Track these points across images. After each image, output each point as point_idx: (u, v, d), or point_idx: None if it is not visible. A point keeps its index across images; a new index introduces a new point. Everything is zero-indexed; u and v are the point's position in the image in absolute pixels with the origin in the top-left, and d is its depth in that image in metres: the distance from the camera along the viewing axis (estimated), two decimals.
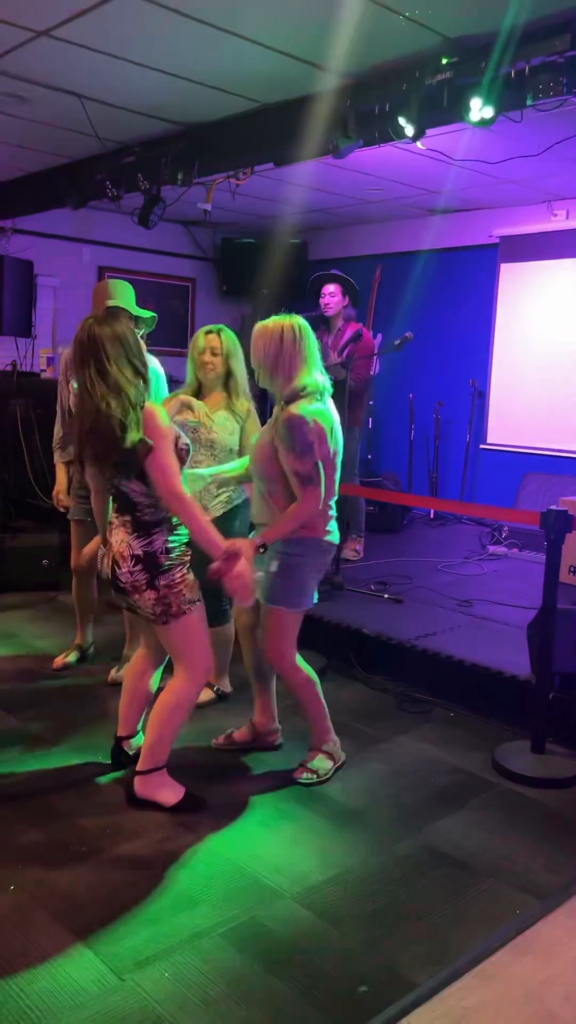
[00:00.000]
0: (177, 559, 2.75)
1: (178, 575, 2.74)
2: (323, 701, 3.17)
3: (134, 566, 2.72)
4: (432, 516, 7.16)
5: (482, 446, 7.23)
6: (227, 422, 3.55)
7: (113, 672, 4.05)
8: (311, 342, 3.00)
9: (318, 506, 2.92)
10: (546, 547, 3.31)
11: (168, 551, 2.73)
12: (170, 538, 2.75)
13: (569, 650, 3.39)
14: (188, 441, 2.82)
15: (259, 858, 2.64)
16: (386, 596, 4.81)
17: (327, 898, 2.46)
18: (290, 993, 2.09)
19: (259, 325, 3.00)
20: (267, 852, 2.67)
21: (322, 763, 3.16)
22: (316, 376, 2.97)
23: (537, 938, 2.34)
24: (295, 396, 2.92)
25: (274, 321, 2.97)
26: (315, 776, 3.12)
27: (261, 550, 2.88)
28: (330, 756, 3.19)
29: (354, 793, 3.08)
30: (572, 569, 5.12)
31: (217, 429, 3.52)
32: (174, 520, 2.76)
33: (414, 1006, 2.06)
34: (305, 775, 3.12)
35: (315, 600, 3.11)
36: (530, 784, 3.16)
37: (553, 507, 3.32)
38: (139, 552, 2.72)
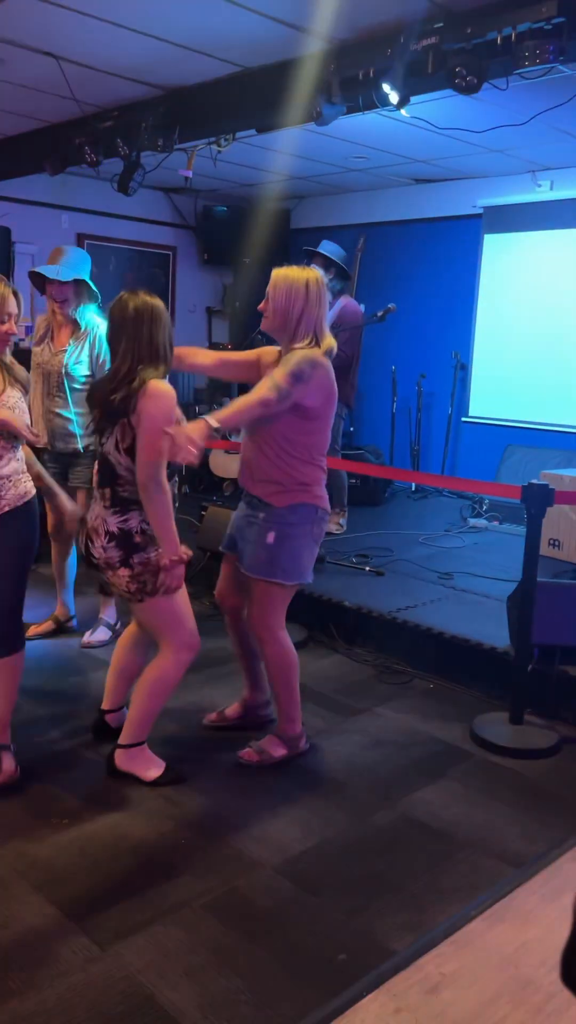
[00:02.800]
0: (152, 539, 2.73)
1: (153, 553, 2.72)
2: (297, 687, 3.06)
3: (108, 543, 2.71)
4: (414, 489, 7.16)
5: (464, 419, 7.23)
6: None
7: (87, 636, 4.06)
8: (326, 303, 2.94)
9: (268, 410, 2.73)
10: (526, 521, 3.33)
11: (143, 530, 2.71)
12: (145, 517, 2.73)
13: (548, 622, 3.42)
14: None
15: (239, 829, 2.66)
16: (367, 569, 4.82)
17: (307, 868, 2.49)
18: (270, 962, 2.11)
19: (282, 273, 2.87)
20: (247, 823, 2.69)
21: (274, 748, 3.05)
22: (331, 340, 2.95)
23: (513, 906, 2.38)
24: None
25: (298, 270, 2.88)
26: (257, 759, 3.02)
27: (215, 433, 2.61)
28: (285, 745, 3.07)
29: (334, 764, 3.11)
30: (552, 542, 5.15)
31: None
32: None
33: (392, 973, 2.09)
34: (246, 757, 3.02)
35: (310, 578, 3.00)
36: (508, 755, 3.20)
37: (534, 481, 3.33)
38: (114, 529, 2.71)
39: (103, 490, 2.75)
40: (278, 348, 2.99)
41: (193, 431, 2.54)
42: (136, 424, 2.62)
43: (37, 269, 3.86)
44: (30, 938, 2.16)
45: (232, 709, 3.33)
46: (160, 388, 2.64)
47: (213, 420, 2.60)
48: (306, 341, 2.85)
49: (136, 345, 2.69)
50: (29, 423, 2.70)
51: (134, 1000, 1.97)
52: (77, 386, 3.83)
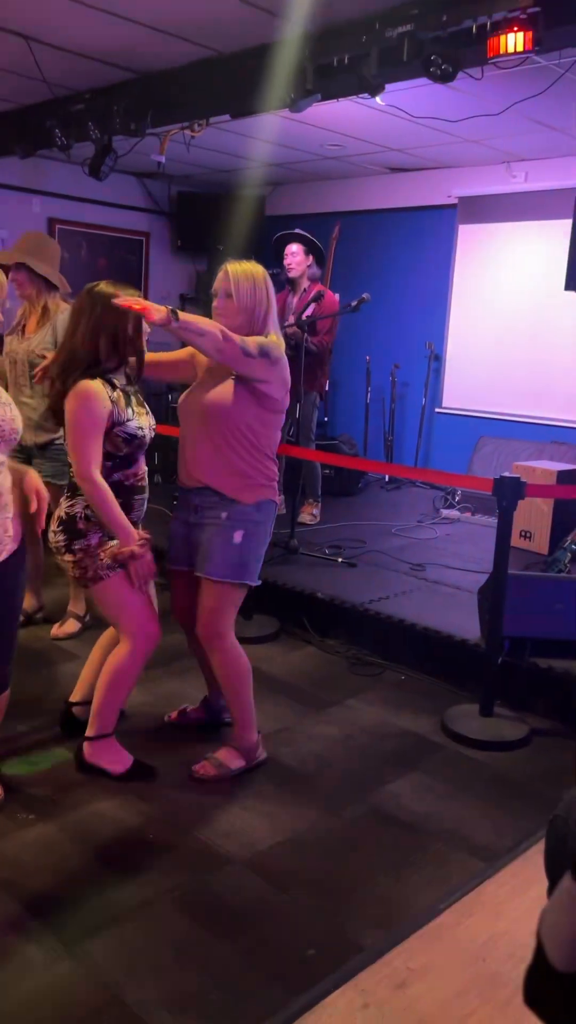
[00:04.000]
0: (96, 526, 2.70)
1: (95, 540, 2.70)
2: (251, 696, 2.92)
3: (57, 527, 2.75)
4: (387, 479, 7.17)
5: (437, 410, 7.24)
6: None
7: (56, 628, 4.03)
8: None
9: (222, 345, 2.56)
10: (498, 514, 3.32)
11: (87, 516, 2.70)
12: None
13: (518, 614, 3.43)
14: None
15: (208, 824, 2.64)
16: (340, 560, 4.81)
17: (276, 863, 2.48)
18: (238, 959, 2.10)
19: (241, 268, 2.74)
20: (217, 818, 2.68)
21: (230, 761, 2.92)
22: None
23: (482, 899, 2.38)
24: None
25: (252, 265, 2.78)
26: (214, 773, 2.88)
27: (171, 320, 2.44)
28: (242, 756, 2.94)
29: (304, 757, 3.10)
30: (523, 533, 5.17)
31: None
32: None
33: (360, 968, 2.08)
34: (202, 771, 2.88)
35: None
36: (478, 747, 3.21)
37: (506, 474, 3.33)
38: (63, 514, 2.74)
39: (64, 479, 2.79)
40: None
41: (155, 306, 2.45)
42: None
43: None
44: None
45: (195, 709, 3.27)
46: (84, 389, 2.62)
47: (173, 310, 2.47)
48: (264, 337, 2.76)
49: (75, 340, 2.67)
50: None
51: (100, 999, 1.94)
52: None
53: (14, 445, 2.47)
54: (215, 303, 2.77)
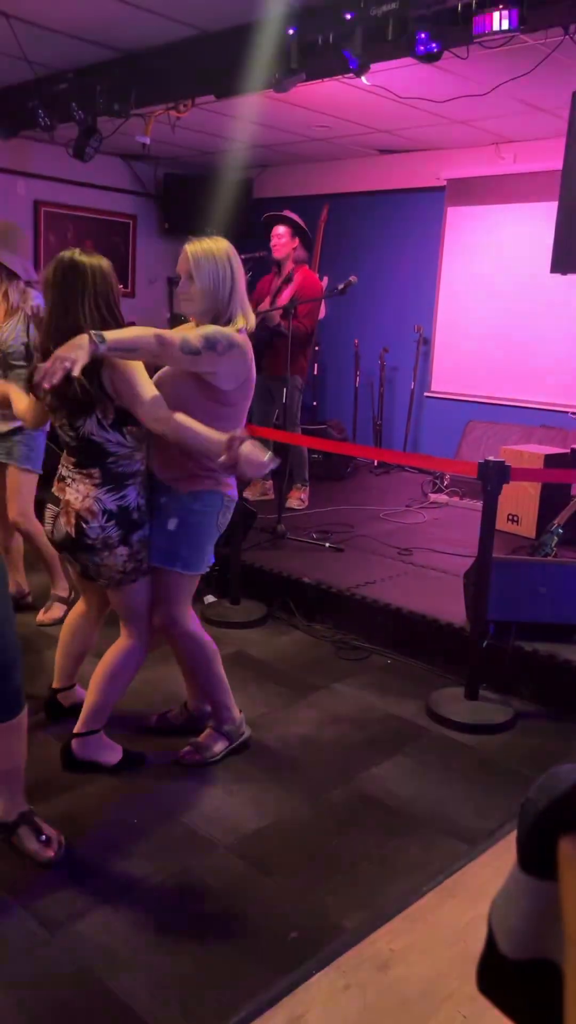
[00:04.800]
0: (147, 515, 2.65)
1: (148, 531, 2.65)
2: (221, 674, 2.88)
3: (106, 522, 2.56)
4: (376, 464, 7.16)
5: (426, 394, 7.22)
6: None
7: (41, 614, 4.02)
8: None
9: (167, 355, 2.45)
10: (483, 497, 3.32)
11: (140, 507, 2.62)
12: (142, 491, 2.64)
13: (503, 598, 3.43)
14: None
15: (193, 808, 2.65)
16: (327, 545, 4.80)
17: (260, 847, 2.48)
18: (222, 942, 2.11)
19: (201, 247, 2.59)
20: (201, 802, 2.68)
21: (214, 743, 2.91)
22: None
23: (464, 881, 2.39)
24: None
25: (213, 242, 2.61)
26: (199, 758, 2.87)
27: (98, 346, 2.25)
28: (226, 737, 2.92)
29: (289, 741, 3.10)
30: (511, 517, 5.18)
31: None
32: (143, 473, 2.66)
33: (343, 950, 2.09)
34: (187, 757, 2.87)
35: (212, 561, 2.81)
36: (463, 730, 3.22)
37: (491, 458, 3.32)
38: (112, 507, 2.57)
39: (90, 471, 2.57)
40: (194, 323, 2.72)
41: (70, 347, 2.23)
42: (117, 391, 2.46)
43: None
44: None
45: (175, 714, 3.15)
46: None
47: (97, 334, 2.27)
48: (237, 323, 2.60)
49: (73, 316, 2.47)
50: None
51: (84, 984, 1.95)
52: (14, 363, 3.71)
53: None
54: (177, 288, 2.65)
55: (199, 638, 2.82)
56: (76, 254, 2.53)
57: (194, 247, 2.59)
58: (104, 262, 2.55)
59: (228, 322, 2.60)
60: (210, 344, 2.49)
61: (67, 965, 2.00)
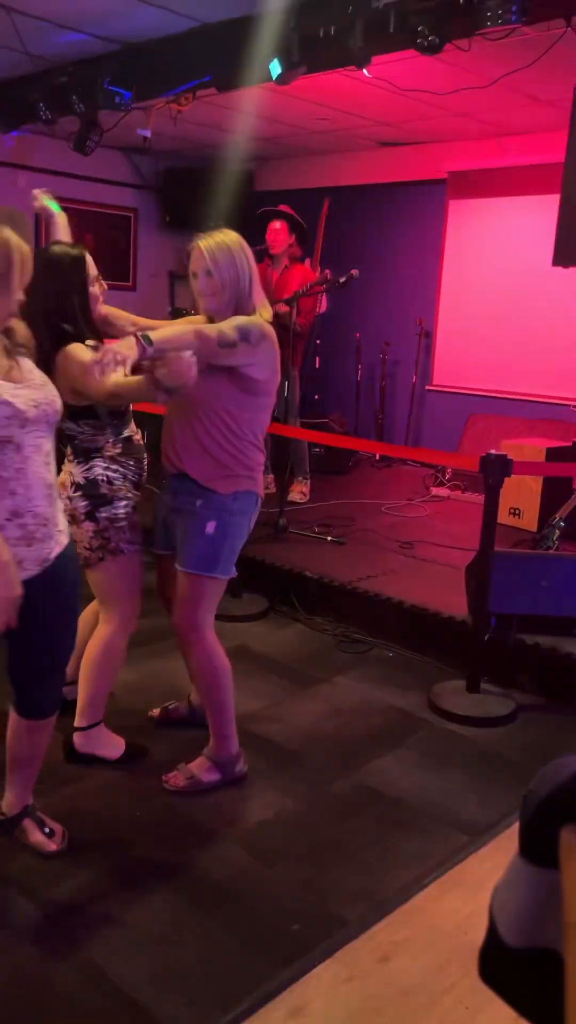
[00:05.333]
0: (120, 493, 2.65)
1: (120, 509, 2.65)
2: (229, 704, 2.72)
3: (74, 492, 2.63)
4: (378, 458, 7.15)
5: (428, 387, 7.21)
6: None
7: None
8: None
9: (207, 350, 2.38)
10: (485, 491, 3.32)
11: (110, 480, 2.64)
12: (111, 466, 2.65)
13: (504, 591, 3.43)
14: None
15: (195, 801, 2.65)
16: (329, 539, 4.81)
17: (262, 839, 2.49)
18: (224, 934, 2.11)
19: (215, 241, 2.53)
20: (203, 795, 2.68)
21: (203, 774, 2.72)
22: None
23: (466, 873, 2.40)
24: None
25: (224, 234, 2.56)
26: (184, 784, 2.68)
27: (146, 348, 2.24)
28: (218, 769, 2.73)
29: (292, 733, 3.11)
30: (513, 511, 5.18)
31: None
32: (113, 451, 2.66)
33: (344, 942, 2.10)
34: (172, 782, 2.69)
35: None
36: (465, 723, 3.23)
37: (492, 451, 3.32)
38: (80, 479, 2.63)
39: (68, 452, 2.66)
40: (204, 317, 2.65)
41: (122, 346, 2.22)
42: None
43: None
44: None
45: (177, 708, 3.12)
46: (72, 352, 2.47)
47: (144, 336, 2.25)
48: (262, 313, 2.58)
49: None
50: None
51: (86, 974, 1.96)
52: None
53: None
54: (196, 285, 2.57)
55: (214, 652, 2.68)
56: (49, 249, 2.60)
57: (207, 242, 2.54)
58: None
59: (252, 312, 2.56)
60: (244, 335, 2.45)
61: (70, 956, 2.01)
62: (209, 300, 2.56)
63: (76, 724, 2.81)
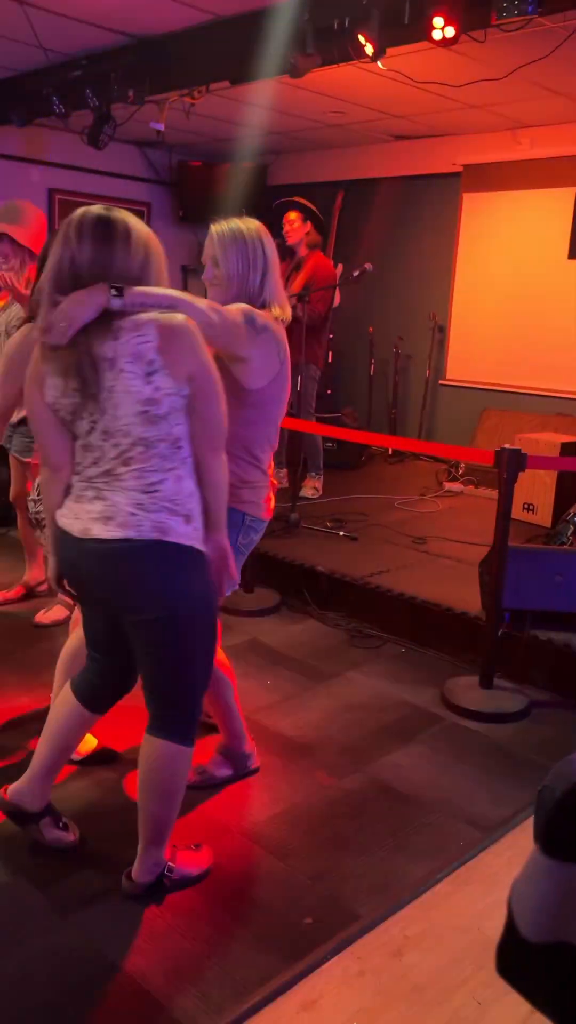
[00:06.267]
0: None
1: None
2: (233, 706, 2.68)
3: (37, 496, 2.72)
4: (391, 453, 7.13)
5: (441, 382, 7.18)
6: None
7: (40, 614, 3.90)
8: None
9: (211, 319, 2.09)
10: (499, 486, 3.30)
11: None
12: None
13: (518, 587, 3.42)
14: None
15: (208, 794, 2.65)
16: (341, 534, 4.80)
17: (274, 832, 2.49)
18: (236, 926, 2.11)
19: (228, 228, 2.35)
20: (216, 788, 2.68)
21: (217, 769, 2.72)
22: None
23: (479, 869, 2.39)
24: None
25: (243, 223, 2.37)
26: (196, 780, 2.64)
27: (113, 300, 1.86)
28: (230, 764, 2.74)
29: (304, 728, 3.11)
30: (526, 506, 5.15)
31: None
32: None
33: (357, 936, 2.10)
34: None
35: (236, 583, 2.42)
36: (478, 719, 3.22)
37: (507, 446, 3.30)
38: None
39: None
40: None
41: (80, 295, 1.88)
42: None
43: None
44: None
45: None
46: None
47: (115, 286, 1.88)
48: (273, 311, 2.36)
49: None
50: None
51: (97, 966, 1.96)
52: None
53: None
54: (205, 274, 2.40)
55: (214, 669, 2.49)
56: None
57: (220, 228, 2.36)
58: None
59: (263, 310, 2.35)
60: (249, 321, 2.24)
61: (82, 948, 2.02)
62: (215, 292, 2.37)
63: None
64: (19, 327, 2.73)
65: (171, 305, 1.96)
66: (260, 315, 2.30)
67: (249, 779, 2.75)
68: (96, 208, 1.97)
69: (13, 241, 3.55)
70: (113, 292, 1.87)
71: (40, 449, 2.06)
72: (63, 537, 2.02)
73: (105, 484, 1.96)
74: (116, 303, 1.87)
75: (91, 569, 2.00)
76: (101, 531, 1.93)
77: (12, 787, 2.34)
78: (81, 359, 1.88)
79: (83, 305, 1.86)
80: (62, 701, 2.31)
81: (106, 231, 1.92)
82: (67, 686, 2.32)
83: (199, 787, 2.66)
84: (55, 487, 2.03)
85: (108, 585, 2.00)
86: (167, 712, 2.09)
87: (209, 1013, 1.85)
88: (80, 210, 1.96)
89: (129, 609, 2.01)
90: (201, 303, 2.11)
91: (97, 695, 2.28)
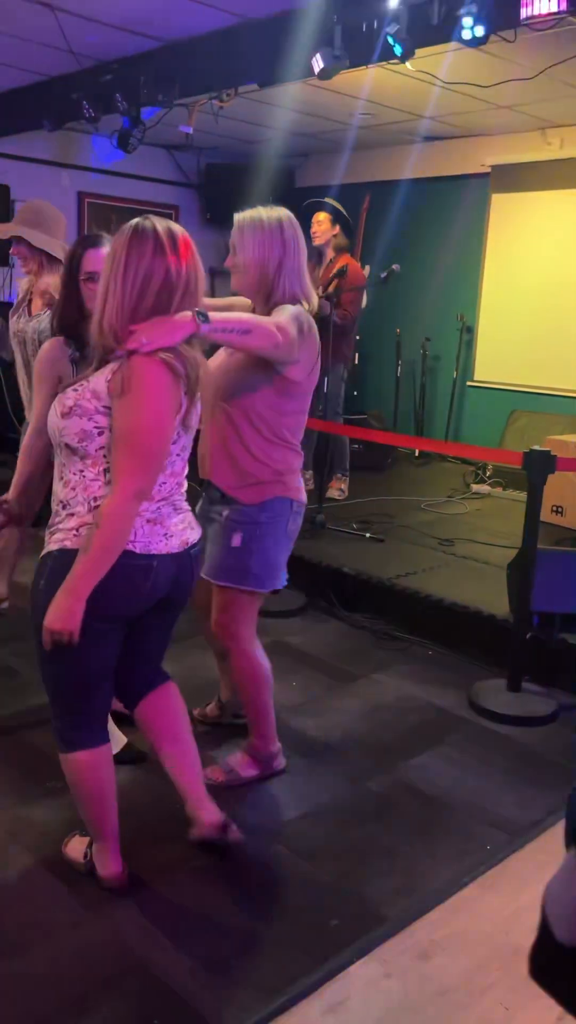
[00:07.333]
0: None
1: None
2: (269, 704, 2.68)
3: None
4: (417, 454, 7.11)
5: (469, 383, 7.15)
6: None
7: None
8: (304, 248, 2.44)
9: (279, 339, 2.18)
10: (527, 488, 3.28)
11: None
12: None
13: (547, 590, 3.39)
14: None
15: (233, 794, 2.65)
16: (368, 535, 4.79)
17: (300, 833, 2.49)
18: (261, 927, 2.12)
19: (249, 214, 2.35)
20: (241, 788, 2.69)
21: (243, 768, 2.71)
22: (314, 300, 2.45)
23: (506, 873, 2.38)
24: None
25: (266, 210, 2.36)
26: (223, 779, 2.66)
27: (200, 319, 1.91)
28: (257, 764, 2.72)
29: (330, 729, 3.10)
30: (555, 508, 5.11)
31: None
32: None
33: (383, 939, 2.09)
34: (213, 776, 2.63)
35: (285, 581, 2.60)
36: (505, 722, 3.19)
37: (535, 447, 3.28)
38: None
39: None
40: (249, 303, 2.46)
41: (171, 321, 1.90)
42: None
43: None
44: (20, 900, 2.17)
45: (210, 709, 3.05)
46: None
47: (200, 312, 1.92)
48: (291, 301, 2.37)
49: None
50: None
51: (123, 963, 1.97)
52: None
53: None
54: (226, 260, 2.40)
55: (256, 662, 2.62)
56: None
57: (242, 216, 2.37)
58: None
59: (283, 301, 2.36)
60: (299, 326, 2.27)
61: (109, 944, 2.03)
62: (234, 279, 2.40)
63: None
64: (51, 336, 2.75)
65: (246, 331, 2.05)
66: (304, 317, 2.34)
67: (274, 780, 2.75)
68: (166, 220, 1.99)
69: (31, 245, 3.50)
70: (200, 318, 1.92)
71: (145, 481, 1.90)
72: (147, 563, 1.96)
73: (178, 496, 2.06)
74: (204, 328, 1.93)
75: (193, 574, 2.13)
76: (194, 536, 2.09)
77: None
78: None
79: (174, 331, 1.88)
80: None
81: (187, 245, 1.96)
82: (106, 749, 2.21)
83: (226, 786, 2.67)
84: (134, 520, 1.93)
85: (191, 584, 2.16)
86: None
87: (235, 1013, 1.85)
88: (159, 221, 1.96)
89: (184, 600, 2.17)
90: (268, 324, 2.17)
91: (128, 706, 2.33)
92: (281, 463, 2.44)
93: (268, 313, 2.36)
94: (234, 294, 2.52)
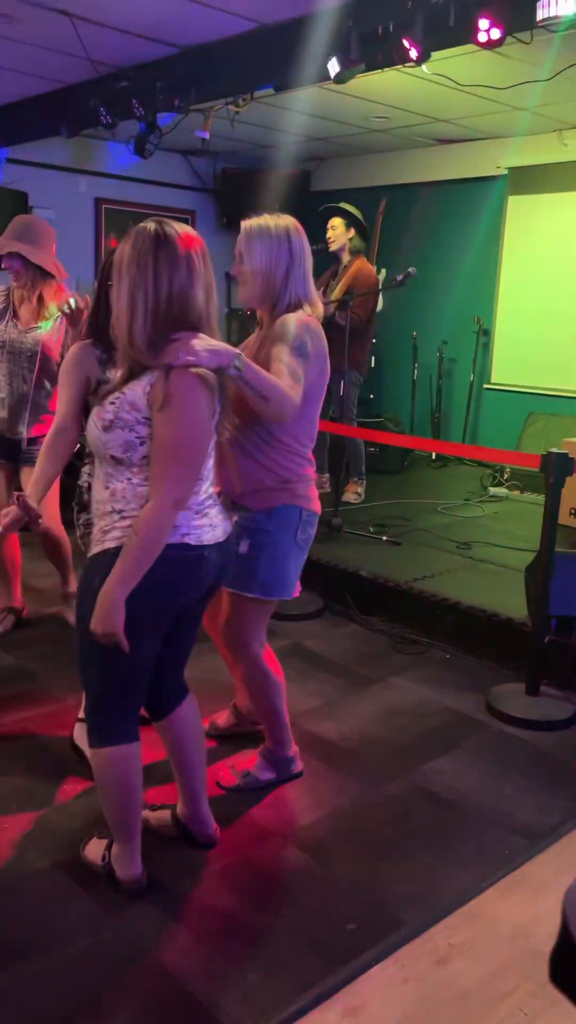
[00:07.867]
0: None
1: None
2: (282, 709, 2.67)
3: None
4: (434, 457, 7.09)
5: (486, 386, 7.12)
6: None
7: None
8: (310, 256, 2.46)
9: (297, 406, 2.25)
10: (545, 490, 3.27)
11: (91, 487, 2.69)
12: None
13: (565, 593, 3.37)
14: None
15: (251, 798, 2.66)
16: (384, 539, 4.78)
17: (318, 837, 2.49)
18: (279, 930, 2.11)
19: (256, 222, 2.36)
20: (259, 792, 2.69)
21: (257, 771, 2.70)
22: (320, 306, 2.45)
23: (524, 878, 2.36)
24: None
25: (274, 217, 2.37)
26: (237, 782, 2.67)
27: (236, 368, 1.99)
28: (272, 767, 2.71)
29: (347, 733, 3.10)
30: (573, 511, 5.08)
31: None
32: None
33: (401, 943, 2.09)
34: (226, 782, 2.67)
35: (297, 589, 2.58)
36: (523, 726, 3.18)
37: (553, 450, 3.26)
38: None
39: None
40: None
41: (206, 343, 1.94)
42: None
43: None
44: (38, 902, 2.18)
45: (223, 717, 3.01)
46: None
47: (239, 357, 2.01)
48: (304, 310, 2.37)
49: None
50: None
51: (142, 965, 1.98)
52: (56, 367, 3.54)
53: None
54: (232, 268, 2.43)
55: (264, 670, 2.60)
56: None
57: (249, 223, 2.37)
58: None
59: (288, 309, 2.36)
60: (301, 354, 2.29)
61: (125, 947, 2.03)
62: (242, 287, 2.41)
63: (80, 714, 2.77)
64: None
65: (265, 397, 2.14)
66: (307, 334, 2.32)
67: (292, 783, 2.75)
68: (178, 223, 2.00)
69: (24, 260, 3.49)
70: (238, 360, 2.00)
71: (184, 491, 1.96)
72: (201, 552, 2.04)
73: (212, 490, 2.15)
74: (234, 373, 2.01)
75: (231, 560, 2.24)
76: (228, 526, 2.17)
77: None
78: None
79: (217, 358, 1.94)
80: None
81: (204, 248, 2.00)
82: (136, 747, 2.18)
83: (242, 791, 2.67)
84: (171, 528, 1.97)
85: (229, 571, 2.25)
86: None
87: (252, 1016, 1.85)
88: (174, 225, 1.98)
89: (219, 586, 2.25)
90: (288, 395, 2.20)
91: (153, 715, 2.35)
92: (288, 470, 2.43)
93: (273, 321, 2.37)
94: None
